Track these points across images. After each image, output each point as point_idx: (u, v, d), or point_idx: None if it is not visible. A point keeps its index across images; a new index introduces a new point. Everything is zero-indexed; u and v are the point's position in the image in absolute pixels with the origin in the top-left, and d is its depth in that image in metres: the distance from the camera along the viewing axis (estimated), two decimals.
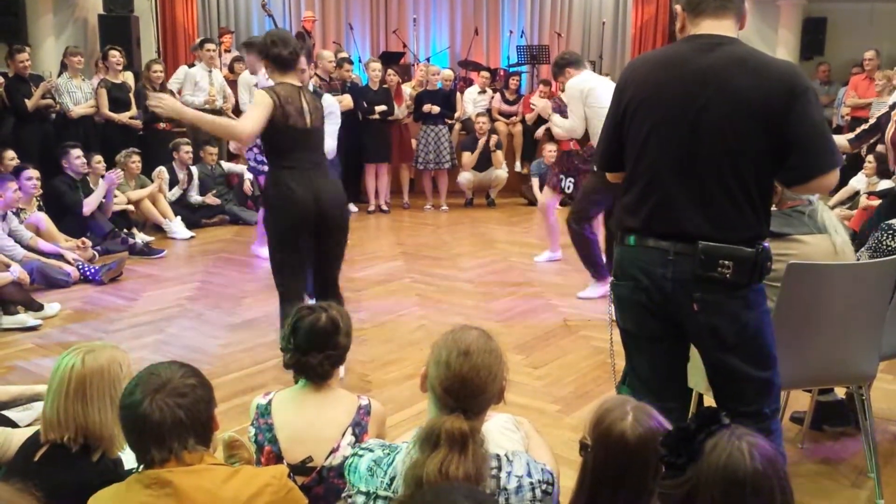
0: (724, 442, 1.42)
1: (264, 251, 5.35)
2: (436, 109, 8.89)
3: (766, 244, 2.19)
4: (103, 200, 6.97)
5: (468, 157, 9.22)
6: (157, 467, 1.75)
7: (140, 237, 7.17)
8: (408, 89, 9.40)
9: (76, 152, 6.90)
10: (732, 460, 1.39)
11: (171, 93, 7.91)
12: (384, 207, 8.99)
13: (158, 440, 1.74)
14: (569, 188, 5.94)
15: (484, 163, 9.33)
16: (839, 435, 3.42)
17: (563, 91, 5.75)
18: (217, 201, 8.25)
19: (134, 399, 1.76)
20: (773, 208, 2.84)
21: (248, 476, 1.81)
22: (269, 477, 1.83)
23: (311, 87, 4.97)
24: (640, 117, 2.25)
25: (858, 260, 3.12)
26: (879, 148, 7.66)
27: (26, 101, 7.42)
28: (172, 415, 1.75)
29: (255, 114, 3.65)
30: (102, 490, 1.81)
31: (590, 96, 5.28)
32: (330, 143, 4.69)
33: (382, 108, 8.61)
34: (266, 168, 4.12)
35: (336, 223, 3.89)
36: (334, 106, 5.17)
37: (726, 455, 1.40)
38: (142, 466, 1.79)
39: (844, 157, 8.17)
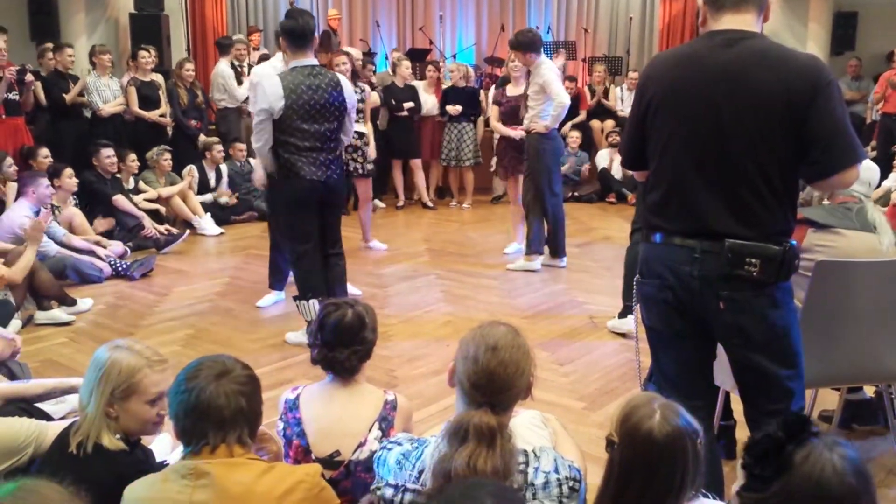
0: (816, 454, 1.33)
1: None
2: (458, 109, 8.87)
3: (793, 241, 2.17)
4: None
5: None
6: (205, 453, 1.78)
7: (154, 228, 7.02)
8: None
9: (107, 152, 6.98)
10: (826, 475, 1.31)
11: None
12: (429, 203, 9.03)
13: (219, 424, 1.79)
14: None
15: None
16: (868, 434, 3.39)
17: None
18: (233, 201, 8.18)
19: (198, 383, 1.80)
20: (826, 202, 2.84)
21: (283, 472, 1.85)
22: (303, 474, 1.87)
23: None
24: (661, 116, 2.24)
25: None
26: None
27: (64, 95, 7.56)
28: (236, 402, 1.80)
29: None
30: (137, 480, 1.84)
31: None
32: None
33: (410, 104, 8.65)
34: None
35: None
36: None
37: (820, 469, 1.32)
38: (189, 452, 1.82)
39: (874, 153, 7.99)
